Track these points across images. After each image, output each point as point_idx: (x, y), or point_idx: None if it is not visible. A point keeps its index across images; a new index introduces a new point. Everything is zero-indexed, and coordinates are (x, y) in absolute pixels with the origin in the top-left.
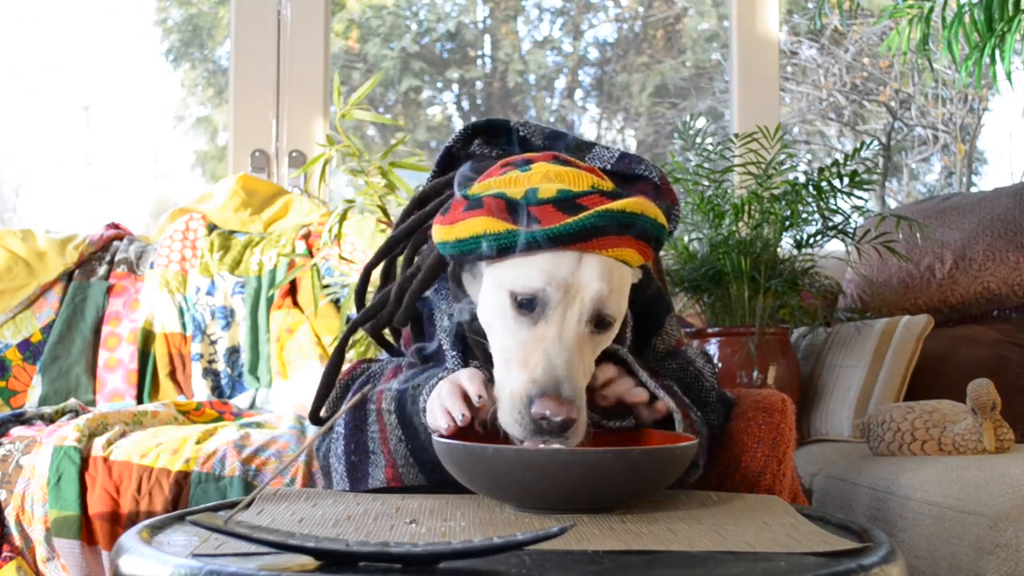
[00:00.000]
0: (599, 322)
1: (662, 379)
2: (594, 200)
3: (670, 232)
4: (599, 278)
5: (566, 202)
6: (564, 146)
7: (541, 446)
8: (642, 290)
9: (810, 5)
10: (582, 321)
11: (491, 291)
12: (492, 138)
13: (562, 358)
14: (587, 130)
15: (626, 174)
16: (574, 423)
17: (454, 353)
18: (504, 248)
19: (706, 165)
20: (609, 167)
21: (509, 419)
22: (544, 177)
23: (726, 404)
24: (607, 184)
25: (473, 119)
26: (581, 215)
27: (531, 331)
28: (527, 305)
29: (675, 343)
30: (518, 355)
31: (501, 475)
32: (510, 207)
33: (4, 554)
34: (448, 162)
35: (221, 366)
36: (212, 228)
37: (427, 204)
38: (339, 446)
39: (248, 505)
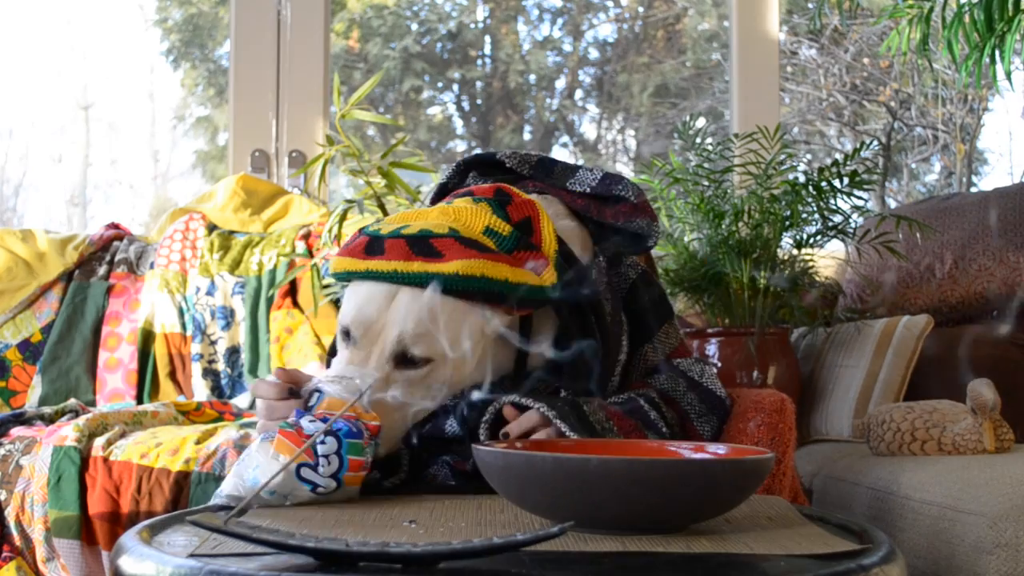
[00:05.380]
0: (405, 359)
1: (633, 401)
2: (447, 244)
3: (649, 247)
4: (407, 318)
5: (421, 241)
6: (549, 173)
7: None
8: (640, 295)
9: (810, 5)
10: (383, 357)
11: None
12: (488, 169)
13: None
14: (587, 130)
15: (604, 196)
16: None
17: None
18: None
19: (706, 165)
20: (588, 190)
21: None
22: (441, 214)
23: (721, 411)
24: (504, 228)
25: (474, 119)
26: (387, 268)
27: (343, 353)
28: (345, 334)
29: (671, 352)
30: (330, 373)
31: (539, 486)
32: (369, 245)
33: (4, 554)
34: (441, 197)
35: (221, 366)
36: (212, 228)
37: None
38: None
39: (248, 505)
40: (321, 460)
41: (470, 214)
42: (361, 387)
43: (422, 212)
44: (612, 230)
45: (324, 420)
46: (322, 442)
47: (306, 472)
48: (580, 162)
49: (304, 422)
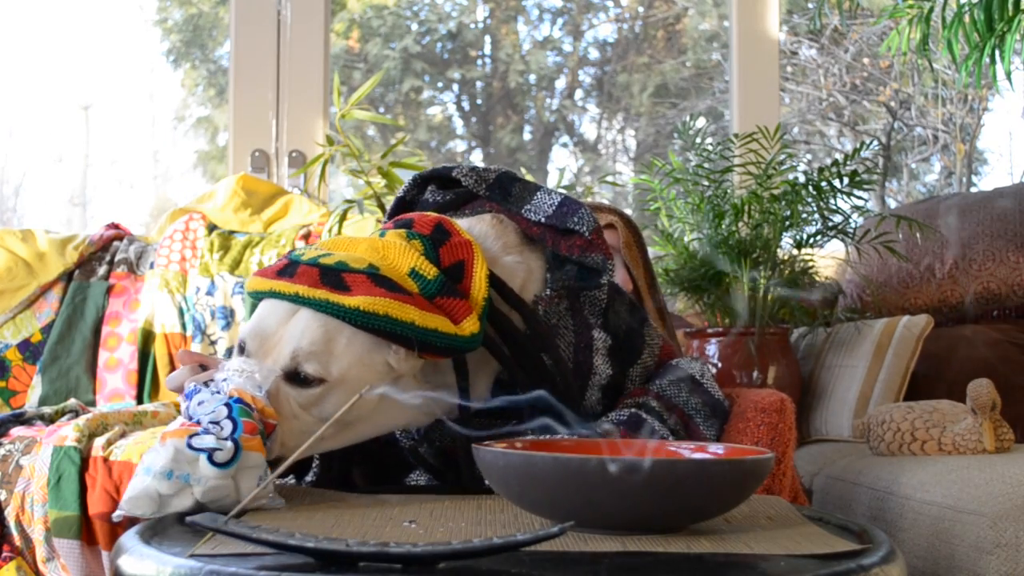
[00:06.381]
0: (297, 377)
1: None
2: (358, 280)
3: (602, 283)
4: (304, 335)
5: (332, 273)
6: (506, 194)
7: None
8: (619, 306)
9: (810, 5)
10: (276, 367)
11: None
12: (446, 183)
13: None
14: (587, 130)
15: (558, 228)
16: None
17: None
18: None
19: (706, 165)
20: (544, 219)
21: None
22: (369, 247)
23: (721, 413)
24: (430, 271)
25: (474, 119)
26: (290, 291)
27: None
28: (240, 348)
29: (661, 352)
30: (231, 365)
31: (539, 486)
32: (284, 268)
33: (4, 554)
34: (400, 211)
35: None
36: (212, 228)
37: None
38: None
39: (247, 506)
40: (211, 426)
41: (398, 253)
42: (262, 381)
43: (353, 242)
44: (568, 260)
45: (232, 399)
46: (212, 411)
47: (198, 440)
48: (580, 162)
49: (193, 403)
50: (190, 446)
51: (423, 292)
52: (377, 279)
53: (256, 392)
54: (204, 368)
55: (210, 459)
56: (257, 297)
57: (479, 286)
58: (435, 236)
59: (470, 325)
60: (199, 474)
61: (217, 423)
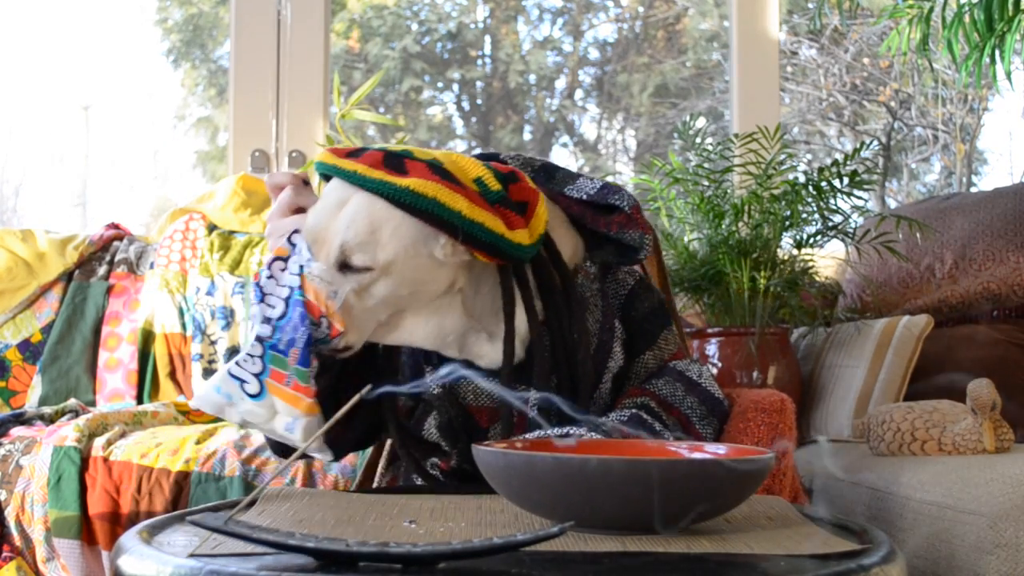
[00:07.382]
0: (348, 267)
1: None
2: (417, 166)
3: (640, 259)
4: (349, 227)
5: (395, 157)
6: (550, 178)
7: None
8: (639, 302)
9: (810, 5)
10: (328, 264)
11: None
12: None
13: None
14: (587, 130)
15: (600, 204)
16: None
17: None
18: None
19: (706, 165)
20: (585, 197)
21: None
22: (443, 155)
23: (720, 413)
24: (494, 184)
25: (474, 119)
26: (349, 168)
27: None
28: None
29: (668, 357)
30: (315, 270)
31: (539, 486)
32: (354, 151)
33: (4, 554)
34: None
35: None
36: (212, 228)
37: None
38: None
39: (248, 505)
40: (246, 358)
41: (470, 163)
42: (338, 295)
43: (428, 152)
44: (605, 239)
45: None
46: (253, 344)
47: (236, 369)
48: (580, 162)
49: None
50: (230, 373)
51: (483, 198)
52: (437, 169)
53: (332, 299)
54: (307, 182)
55: (243, 388)
56: (322, 171)
57: (539, 221)
58: (507, 176)
59: (521, 236)
60: (236, 398)
61: (252, 357)
